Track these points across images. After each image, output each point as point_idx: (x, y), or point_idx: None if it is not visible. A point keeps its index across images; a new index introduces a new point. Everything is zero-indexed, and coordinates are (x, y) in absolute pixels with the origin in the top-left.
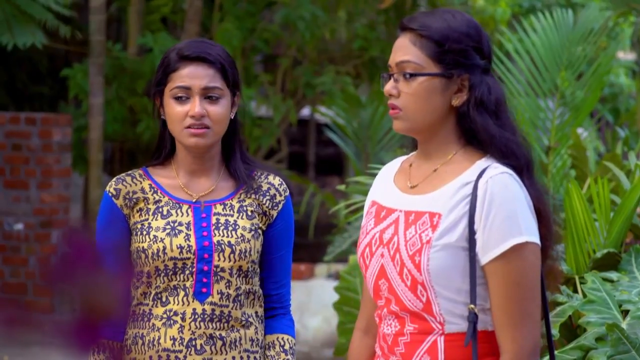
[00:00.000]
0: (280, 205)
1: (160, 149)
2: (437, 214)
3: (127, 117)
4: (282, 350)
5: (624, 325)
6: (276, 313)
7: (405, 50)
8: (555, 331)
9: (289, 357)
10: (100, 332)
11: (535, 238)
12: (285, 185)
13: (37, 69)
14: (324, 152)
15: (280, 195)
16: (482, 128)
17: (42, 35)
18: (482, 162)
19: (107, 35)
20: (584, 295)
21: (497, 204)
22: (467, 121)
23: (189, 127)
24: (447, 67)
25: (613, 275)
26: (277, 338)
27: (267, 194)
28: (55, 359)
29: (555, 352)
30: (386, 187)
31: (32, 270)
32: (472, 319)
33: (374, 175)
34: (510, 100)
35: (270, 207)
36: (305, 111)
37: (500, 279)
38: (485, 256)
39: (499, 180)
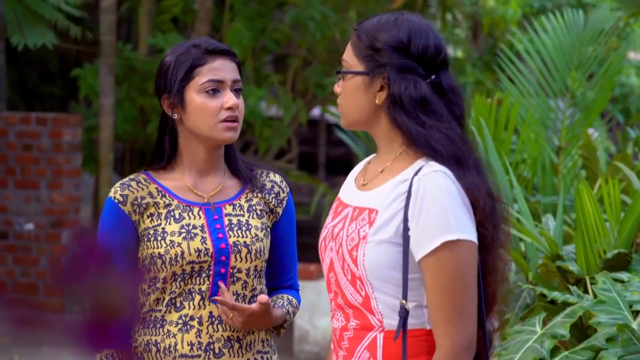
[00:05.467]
0: (285, 202)
1: (162, 152)
2: (374, 210)
3: (137, 117)
4: (281, 298)
5: (634, 325)
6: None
7: (346, 50)
8: (565, 331)
9: (285, 301)
10: (110, 332)
11: (468, 235)
12: (285, 182)
13: (47, 69)
14: (334, 153)
15: (283, 192)
16: (400, 125)
17: (53, 36)
18: (421, 161)
19: (118, 36)
20: (595, 296)
21: (428, 201)
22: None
23: (224, 120)
24: (368, 65)
25: (624, 275)
26: (280, 294)
27: (272, 191)
28: (66, 359)
29: (566, 352)
30: (349, 184)
31: (43, 270)
32: (403, 314)
33: None
34: (521, 101)
35: (275, 204)
36: (316, 111)
37: (433, 275)
38: (418, 253)
39: (431, 178)
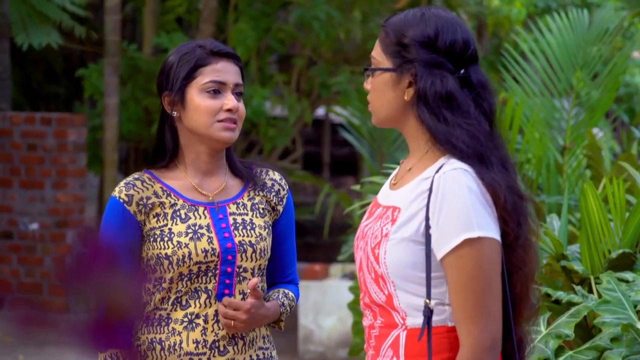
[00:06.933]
0: (285, 200)
1: (164, 150)
2: (397, 208)
3: (142, 117)
4: (277, 292)
5: (639, 325)
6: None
7: (375, 46)
8: (570, 331)
9: (280, 294)
10: (114, 332)
11: (490, 233)
12: (284, 179)
13: (52, 69)
14: (338, 152)
15: (283, 190)
16: (423, 122)
17: (58, 36)
18: (444, 159)
19: (122, 36)
20: (599, 296)
21: (449, 199)
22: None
23: (222, 120)
24: (396, 62)
25: (628, 275)
26: (276, 289)
27: (272, 189)
28: (70, 359)
29: (571, 352)
30: (385, 185)
31: (48, 270)
32: (427, 313)
33: (388, 175)
34: (526, 100)
35: (276, 202)
36: (320, 111)
37: (455, 273)
38: (439, 251)
39: (451, 176)
